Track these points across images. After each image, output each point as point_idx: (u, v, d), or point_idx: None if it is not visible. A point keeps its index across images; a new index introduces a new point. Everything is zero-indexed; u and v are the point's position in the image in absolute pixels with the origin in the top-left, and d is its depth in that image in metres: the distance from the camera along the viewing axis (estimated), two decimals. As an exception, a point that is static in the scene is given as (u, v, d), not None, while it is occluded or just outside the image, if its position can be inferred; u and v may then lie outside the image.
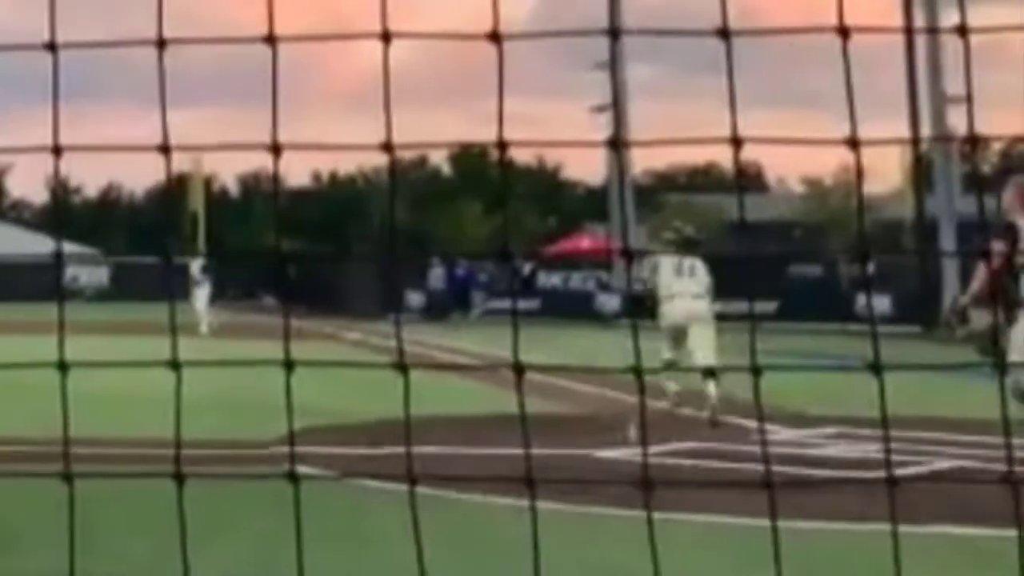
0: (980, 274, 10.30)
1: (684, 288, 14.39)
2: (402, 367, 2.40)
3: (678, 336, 14.18)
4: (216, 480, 8.96)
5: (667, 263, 14.60)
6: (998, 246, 9.54)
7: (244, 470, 9.74)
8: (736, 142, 2.59)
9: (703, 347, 13.87)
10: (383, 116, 2.68)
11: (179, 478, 2.36)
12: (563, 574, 6.00)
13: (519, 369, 2.33)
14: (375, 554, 6.85)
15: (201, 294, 31.85)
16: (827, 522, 8.14)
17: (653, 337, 13.99)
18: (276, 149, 2.81)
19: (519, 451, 2.35)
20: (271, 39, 2.57)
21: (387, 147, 2.78)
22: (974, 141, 2.67)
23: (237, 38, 2.69)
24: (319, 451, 10.71)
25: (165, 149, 2.84)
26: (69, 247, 57.93)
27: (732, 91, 2.53)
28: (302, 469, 9.31)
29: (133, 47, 2.77)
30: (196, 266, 32.57)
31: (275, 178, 2.70)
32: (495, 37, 2.46)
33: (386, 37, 2.55)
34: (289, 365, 2.38)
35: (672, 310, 14.24)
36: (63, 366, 2.47)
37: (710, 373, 11.32)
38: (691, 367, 13.97)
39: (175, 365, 2.47)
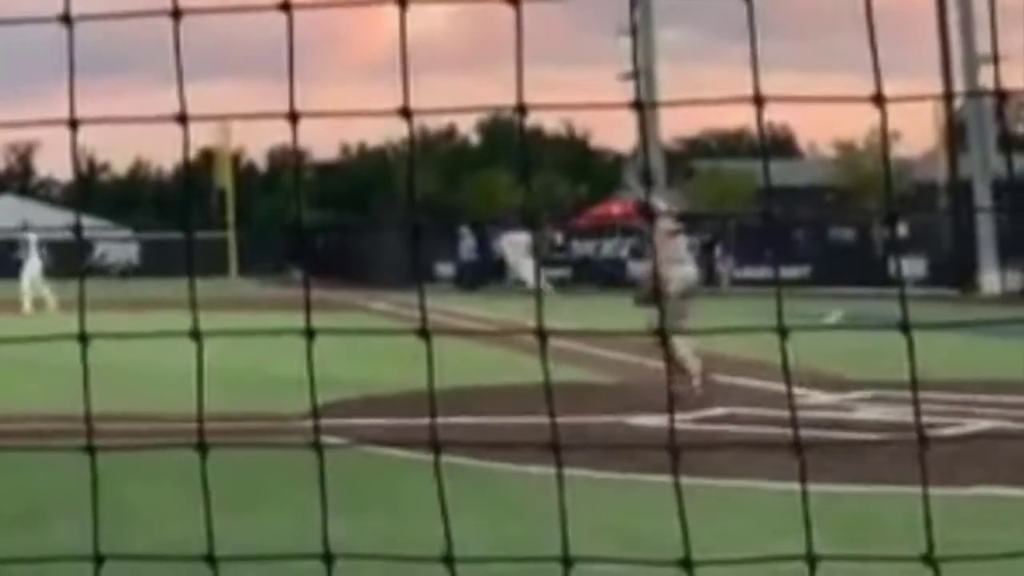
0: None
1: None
2: (424, 333, 2.37)
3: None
4: (245, 454, 8.99)
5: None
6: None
7: (272, 441, 9.76)
8: (758, 101, 2.54)
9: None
10: (410, 84, 2.64)
11: (202, 448, 2.35)
12: (594, 541, 5.97)
13: (542, 335, 2.30)
14: (405, 524, 6.85)
15: (31, 268, 30.00)
16: (862, 485, 8.09)
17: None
18: (293, 117, 2.78)
19: (554, 421, 2.32)
20: (286, 6, 2.55)
21: (405, 112, 2.74)
22: (1002, 96, 2.61)
23: (251, 6, 2.66)
24: (347, 423, 10.73)
25: (183, 119, 2.81)
26: (97, 222, 58.17)
27: (754, 49, 2.48)
28: (329, 440, 9.30)
29: (153, 17, 2.74)
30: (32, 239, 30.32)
31: (294, 146, 2.67)
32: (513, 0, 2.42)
33: (402, 1, 2.51)
34: (310, 334, 2.36)
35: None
36: (83, 338, 2.46)
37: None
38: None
39: (196, 335, 2.45)
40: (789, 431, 2.38)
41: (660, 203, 13.70)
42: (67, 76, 2.81)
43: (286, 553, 2.38)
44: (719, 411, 11.61)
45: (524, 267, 39.06)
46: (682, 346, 12.55)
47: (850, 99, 2.70)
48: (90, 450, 2.43)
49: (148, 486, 7.96)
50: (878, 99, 2.49)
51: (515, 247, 41.62)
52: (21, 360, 14.48)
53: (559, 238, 53.60)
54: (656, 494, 6.91)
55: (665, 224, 13.23)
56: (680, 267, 13.05)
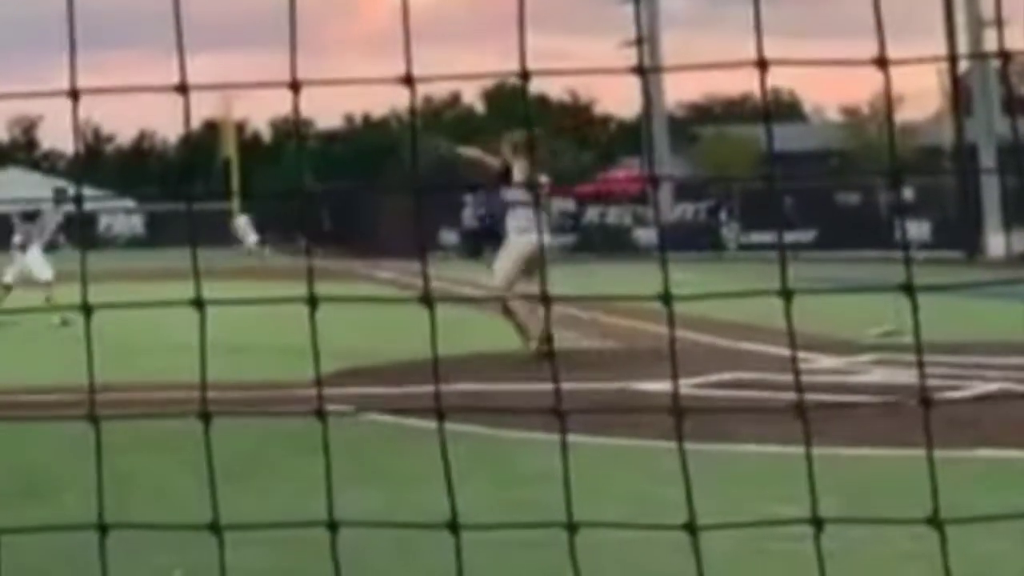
0: None
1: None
2: (427, 300, 2.37)
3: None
4: (251, 424, 9.02)
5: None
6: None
7: (276, 409, 9.78)
8: (762, 64, 2.53)
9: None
10: (413, 54, 2.62)
11: (206, 417, 2.35)
12: (599, 507, 5.99)
13: (546, 299, 2.29)
14: (411, 492, 6.86)
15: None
16: (867, 448, 8.10)
17: (687, 268, 13.91)
18: (295, 86, 2.76)
19: (558, 385, 2.32)
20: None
21: (408, 80, 2.73)
22: (1006, 57, 2.60)
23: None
24: (353, 391, 10.74)
25: (183, 88, 2.80)
26: (102, 194, 58.12)
27: (757, 12, 2.47)
28: (333, 408, 9.32)
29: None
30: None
31: (296, 115, 2.66)
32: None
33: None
34: (313, 302, 2.36)
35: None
36: (87, 308, 2.45)
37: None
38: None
39: (199, 304, 2.45)
40: (794, 395, 2.37)
41: (517, 173, 13.79)
42: (68, 48, 2.80)
43: (291, 521, 2.38)
44: (726, 376, 11.61)
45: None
46: (521, 308, 13.06)
47: (853, 62, 2.68)
48: (94, 419, 2.43)
49: (155, 457, 7.98)
50: (881, 62, 2.48)
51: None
52: (26, 332, 14.51)
53: (567, 205, 53.51)
54: (662, 460, 6.92)
55: (511, 195, 13.63)
56: (525, 236, 13.33)
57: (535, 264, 13.22)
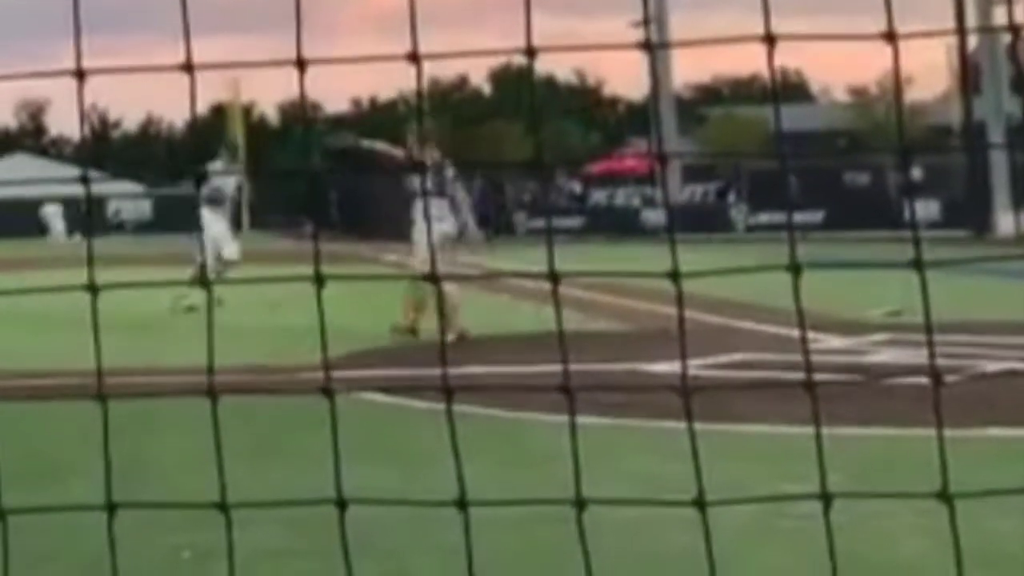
0: None
1: None
2: (433, 278, 2.37)
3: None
4: (259, 406, 9.02)
5: None
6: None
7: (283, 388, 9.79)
8: (769, 40, 2.51)
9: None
10: (421, 37, 2.60)
11: (212, 395, 2.35)
12: (608, 486, 5.99)
13: (554, 278, 2.29)
14: (419, 472, 6.87)
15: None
16: (876, 427, 8.10)
17: (695, 249, 13.87)
18: (301, 64, 2.75)
19: (566, 367, 2.31)
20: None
21: (413, 57, 2.71)
22: (1015, 31, 2.58)
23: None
24: (361, 374, 10.75)
25: (188, 68, 2.78)
26: (109, 179, 58.16)
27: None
28: (342, 390, 9.31)
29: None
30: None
31: (302, 94, 2.65)
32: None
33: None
34: (320, 280, 2.36)
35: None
36: (93, 289, 2.45)
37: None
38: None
39: (205, 284, 2.44)
40: (803, 375, 2.37)
41: (428, 162, 14.14)
42: (73, 29, 2.79)
43: (299, 499, 2.38)
44: (735, 357, 11.61)
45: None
46: (455, 296, 13.33)
47: (860, 37, 2.67)
48: (101, 399, 2.43)
49: (164, 439, 7.99)
50: (889, 36, 2.46)
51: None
52: (34, 314, 14.51)
53: (575, 187, 53.46)
54: (672, 440, 6.92)
55: (416, 184, 14.00)
56: (437, 225, 13.53)
57: (447, 251, 13.67)
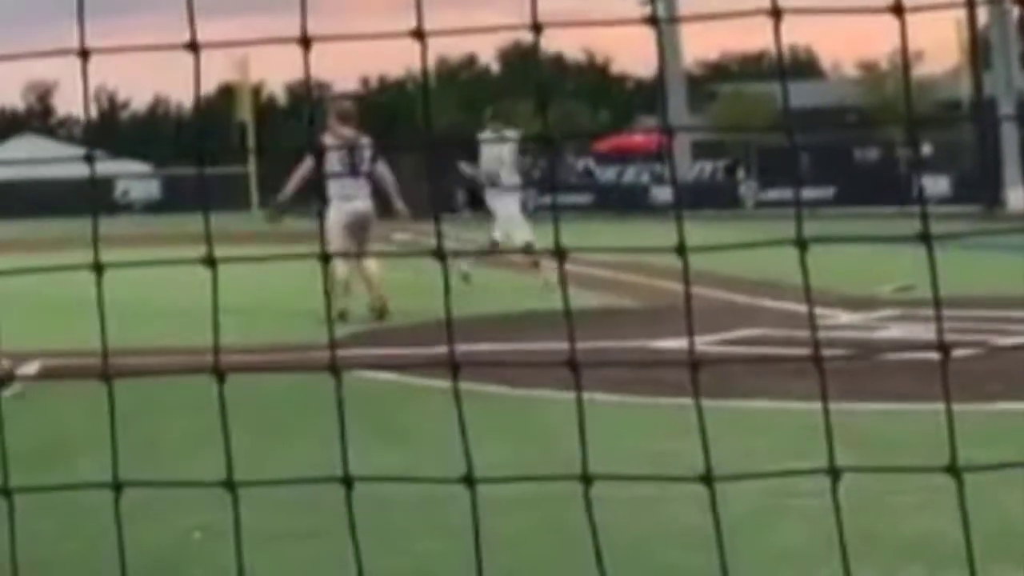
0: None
1: None
2: (439, 254, 2.36)
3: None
4: (267, 386, 9.03)
5: None
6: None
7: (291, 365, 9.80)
8: (776, 13, 2.50)
9: None
10: (430, 16, 2.59)
11: (219, 374, 2.34)
12: (616, 463, 5.99)
13: (561, 253, 2.28)
14: (427, 451, 6.87)
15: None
16: (885, 403, 8.09)
17: (705, 226, 13.85)
18: (306, 42, 2.74)
19: (577, 345, 2.30)
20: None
21: (418, 34, 2.70)
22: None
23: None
24: (369, 352, 10.76)
25: (194, 47, 2.77)
26: (117, 160, 58.20)
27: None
28: (350, 370, 9.29)
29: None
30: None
31: (306, 72, 2.63)
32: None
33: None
34: (326, 258, 2.36)
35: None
36: (98, 268, 2.45)
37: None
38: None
39: (211, 262, 2.44)
40: (813, 352, 2.36)
41: (328, 139, 14.12)
42: (88, 16, 2.78)
43: (305, 477, 2.38)
44: (744, 333, 11.60)
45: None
46: (376, 274, 13.75)
47: (869, 10, 2.66)
48: (106, 378, 2.43)
49: (172, 419, 8.00)
50: (897, 10, 2.45)
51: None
52: (39, 296, 14.50)
53: (583, 164, 53.37)
54: (680, 417, 6.92)
55: (329, 164, 13.83)
56: (348, 204, 13.82)
57: (357, 229, 13.92)
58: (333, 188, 13.91)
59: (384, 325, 13.09)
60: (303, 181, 14.44)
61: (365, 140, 14.44)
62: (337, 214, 13.84)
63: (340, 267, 13.53)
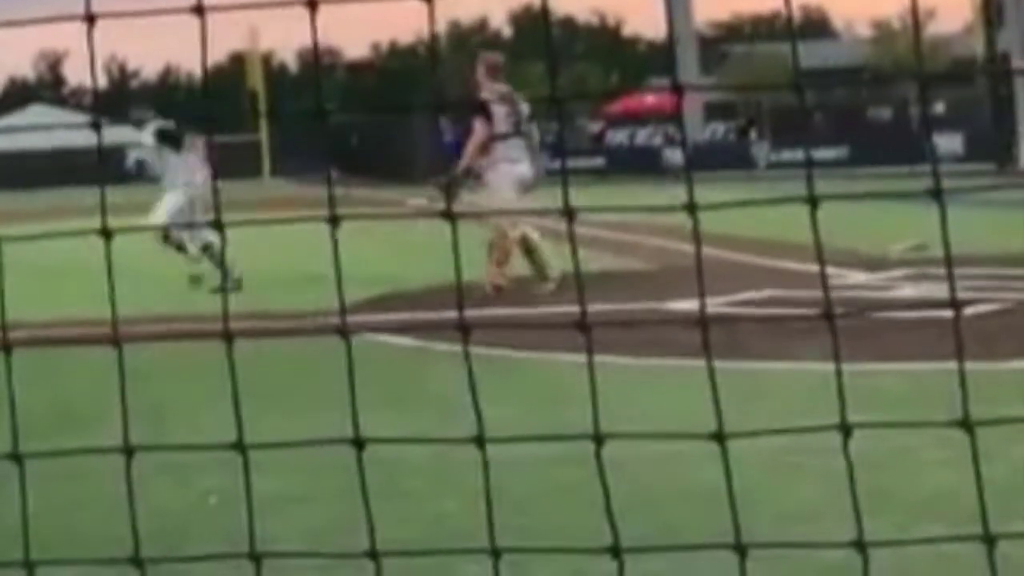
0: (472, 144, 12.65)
1: None
2: (449, 216, 2.35)
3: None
4: (278, 352, 9.04)
5: None
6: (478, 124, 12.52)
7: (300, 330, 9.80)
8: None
9: None
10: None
11: (228, 337, 2.34)
12: (626, 424, 5.99)
13: (570, 214, 2.27)
14: (442, 415, 6.88)
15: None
16: (900, 363, 8.07)
17: (717, 187, 13.74)
18: (312, 5, 2.72)
19: (589, 307, 2.30)
20: None
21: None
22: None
23: None
24: (381, 318, 10.76)
25: (199, 10, 2.76)
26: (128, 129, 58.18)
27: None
28: (360, 333, 9.28)
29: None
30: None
31: (313, 36, 2.62)
32: None
33: None
34: (334, 221, 2.35)
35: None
36: (106, 233, 2.45)
37: None
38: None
39: (219, 226, 2.44)
40: (826, 308, 2.35)
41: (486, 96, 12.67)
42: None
43: (313, 439, 2.38)
44: (755, 294, 11.58)
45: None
46: (511, 230, 12.30)
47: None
48: (116, 344, 2.43)
49: (182, 385, 8.01)
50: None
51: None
52: (50, 265, 14.52)
53: (595, 127, 53.23)
54: (692, 379, 6.92)
55: (496, 124, 12.54)
56: (515, 166, 12.52)
57: (523, 196, 12.54)
58: (500, 150, 12.47)
59: (396, 290, 13.04)
60: (482, 147, 12.63)
61: (519, 96, 13.07)
62: (506, 179, 12.45)
63: (527, 231, 12.35)
